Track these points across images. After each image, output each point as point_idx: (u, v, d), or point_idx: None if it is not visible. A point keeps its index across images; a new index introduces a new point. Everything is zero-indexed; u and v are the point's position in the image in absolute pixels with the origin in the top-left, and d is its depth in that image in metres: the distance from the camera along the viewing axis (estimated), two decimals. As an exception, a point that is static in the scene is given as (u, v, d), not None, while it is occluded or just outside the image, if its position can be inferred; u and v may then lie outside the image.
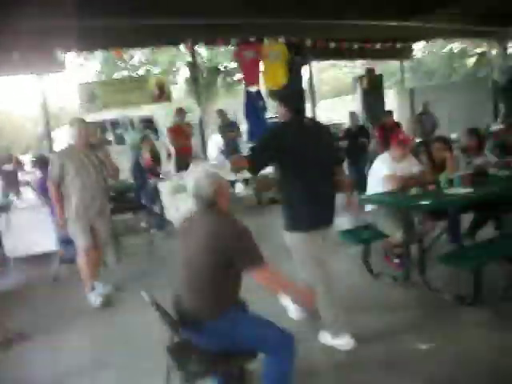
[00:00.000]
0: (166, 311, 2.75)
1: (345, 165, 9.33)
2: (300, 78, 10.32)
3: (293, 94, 4.05)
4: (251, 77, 9.79)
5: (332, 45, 9.75)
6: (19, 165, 11.62)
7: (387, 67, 21.46)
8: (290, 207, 3.74)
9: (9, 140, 17.52)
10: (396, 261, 5.27)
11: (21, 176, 11.63)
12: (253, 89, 10.02)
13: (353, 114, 9.62)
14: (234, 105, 15.63)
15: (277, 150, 3.60)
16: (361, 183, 8.77)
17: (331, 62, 27.78)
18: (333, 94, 34.76)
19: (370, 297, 4.70)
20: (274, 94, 8.38)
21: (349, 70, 47.62)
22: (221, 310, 2.77)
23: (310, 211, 3.65)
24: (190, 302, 2.79)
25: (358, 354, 3.62)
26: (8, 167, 10.84)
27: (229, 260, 2.71)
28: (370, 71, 11.74)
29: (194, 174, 3.06)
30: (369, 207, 5.27)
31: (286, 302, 4.31)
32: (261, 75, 9.94)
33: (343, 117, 20.70)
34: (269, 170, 8.93)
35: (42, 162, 7.12)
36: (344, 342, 3.71)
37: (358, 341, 3.73)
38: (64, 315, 5.06)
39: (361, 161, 9.19)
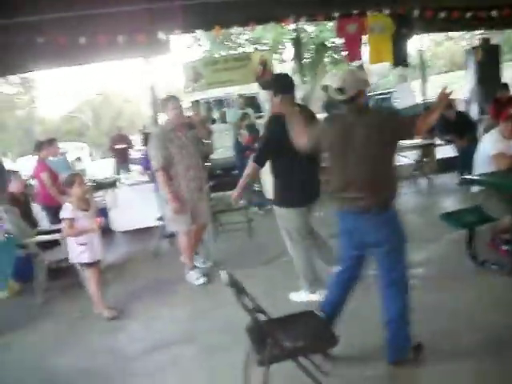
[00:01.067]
0: (245, 291, 2.70)
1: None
2: (405, 52, 9.74)
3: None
4: (354, 52, 9.43)
5: (442, 14, 9.04)
6: (130, 144, 12.19)
7: (508, 38, 19.83)
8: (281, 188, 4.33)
9: (127, 122, 18.45)
10: (504, 248, 4.86)
11: (131, 154, 12.27)
12: (356, 64, 9.68)
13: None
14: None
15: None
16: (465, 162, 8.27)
17: (446, 34, 26.27)
18: (448, 68, 33.01)
19: (472, 286, 4.33)
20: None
21: (466, 42, 44.95)
22: (391, 202, 3.07)
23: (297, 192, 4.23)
24: (363, 197, 3.00)
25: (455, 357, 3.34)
26: (120, 146, 11.43)
27: (397, 140, 3.07)
28: (485, 41, 10.83)
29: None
30: (476, 188, 4.89)
31: None
32: (364, 50, 9.56)
33: (455, 93, 19.69)
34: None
35: (147, 140, 7.36)
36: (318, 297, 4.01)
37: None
38: (162, 290, 5.24)
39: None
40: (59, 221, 6.31)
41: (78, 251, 4.55)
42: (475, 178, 4.79)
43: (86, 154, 20.87)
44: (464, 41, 43.58)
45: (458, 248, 5.10)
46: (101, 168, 15.10)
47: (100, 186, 7.81)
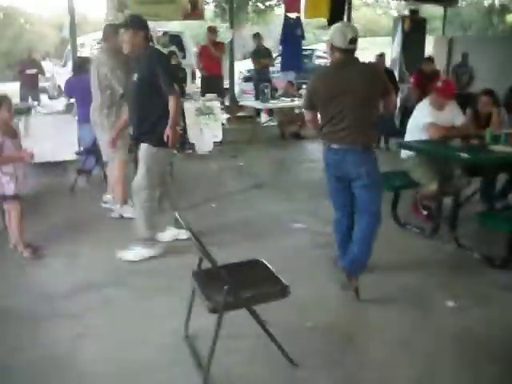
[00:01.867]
0: (196, 234, 2.60)
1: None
2: (342, 11, 9.76)
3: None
4: (292, 3, 9.30)
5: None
6: (41, 70, 11.31)
7: (428, 12, 20.51)
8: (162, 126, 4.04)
9: (29, 44, 17.06)
10: (425, 212, 5.11)
11: (41, 82, 11.43)
12: (292, 16, 9.56)
13: (379, 58, 9.09)
14: (263, 32, 15.12)
15: None
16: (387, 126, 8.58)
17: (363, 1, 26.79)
18: (363, 33, 33.76)
19: (394, 247, 4.51)
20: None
21: (382, 11, 46.12)
22: (372, 144, 3.58)
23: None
24: (352, 136, 3.40)
25: (382, 306, 3.50)
26: (31, 71, 10.58)
27: (381, 92, 3.48)
28: (414, 13, 11.11)
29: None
30: (404, 154, 5.05)
31: None
32: (302, 3, 9.45)
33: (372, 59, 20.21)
34: (293, 103, 8.76)
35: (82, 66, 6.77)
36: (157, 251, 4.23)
37: (379, 292, 3.67)
38: (83, 227, 4.99)
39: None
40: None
41: (2, 181, 4.14)
42: (409, 143, 4.92)
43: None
44: (380, 9, 44.73)
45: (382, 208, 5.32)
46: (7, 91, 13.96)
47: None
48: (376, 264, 3.85)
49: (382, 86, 3.50)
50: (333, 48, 3.42)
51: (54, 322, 3.29)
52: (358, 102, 3.37)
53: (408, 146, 4.93)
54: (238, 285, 2.55)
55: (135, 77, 4.06)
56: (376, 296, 3.61)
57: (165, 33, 10.92)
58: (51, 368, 2.82)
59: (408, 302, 3.56)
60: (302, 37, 9.78)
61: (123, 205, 5.23)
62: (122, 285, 3.79)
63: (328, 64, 3.89)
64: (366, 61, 4.48)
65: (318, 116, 3.65)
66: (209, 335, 2.66)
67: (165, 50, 9.10)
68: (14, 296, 3.66)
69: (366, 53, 23.48)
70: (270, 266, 2.88)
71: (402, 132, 5.37)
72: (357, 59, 3.49)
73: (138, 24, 4.08)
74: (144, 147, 4.15)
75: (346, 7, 10.45)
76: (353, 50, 3.43)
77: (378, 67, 3.88)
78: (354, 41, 3.38)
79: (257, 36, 10.46)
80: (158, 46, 9.66)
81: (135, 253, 4.19)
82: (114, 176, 5.31)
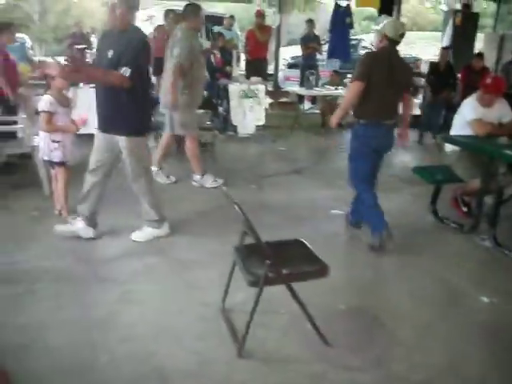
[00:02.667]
0: (243, 211, 2.66)
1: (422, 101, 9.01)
2: (392, 2, 9.63)
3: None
4: (343, -10, 9.25)
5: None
6: (90, 45, 11.50)
7: (479, 8, 20.04)
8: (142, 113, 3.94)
9: (76, 20, 17.34)
10: (464, 209, 5.07)
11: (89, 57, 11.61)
12: (343, 3, 9.49)
13: (444, 51, 8.95)
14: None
15: None
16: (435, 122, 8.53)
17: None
18: (410, 26, 33.17)
19: (431, 240, 4.54)
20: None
21: (431, 4, 45.13)
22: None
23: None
24: (392, 114, 4.18)
25: (415, 295, 3.51)
26: (81, 46, 10.74)
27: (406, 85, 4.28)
28: (466, 7, 10.88)
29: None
30: (449, 148, 5.01)
31: None
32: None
33: (420, 53, 19.85)
34: (337, 92, 8.70)
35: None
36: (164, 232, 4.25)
37: (411, 284, 3.67)
38: (127, 198, 5.12)
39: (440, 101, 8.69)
40: (11, 112, 6.01)
41: (51, 148, 4.31)
42: (456, 137, 4.88)
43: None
44: (429, 2, 43.75)
45: (420, 202, 5.33)
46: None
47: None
48: (411, 256, 3.87)
49: (410, 83, 4.36)
50: (384, 37, 4.04)
51: (95, 285, 3.42)
52: (396, 86, 4.08)
53: (453, 140, 4.89)
54: (279, 261, 2.61)
55: (110, 53, 3.72)
56: (410, 286, 3.62)
57: (231, 16, 10.95)
58: (92, 328, 2.93)
59: (441, 294, 3.56)
60: (351, 25, 9.72)
61: (203, 175, 5.61)
62: (163, 255, 3.91)
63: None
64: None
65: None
66: (245, 309, 2.74)
67: (228, 33, 9.15)
68: (57, 258, 3.80)
69: (413, 46, 23.20)
70: (310, 246, 2.93)
71: (447, 127, 5.34)
72: (398, 51, 4.19)
73: (134, 2, 3.82)
74: (121, 141, 3.87)
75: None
76: (399, 43, 4.10)
77: (410, 66, 4.86)
78: (402, 35, 4.06)
79: (310, 22, 10.43)
80: (220, 28, 9.68)
81: (146, 233, 4.22)
82: (188, 151, 5.63)
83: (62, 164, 4.40)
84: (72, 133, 4.41)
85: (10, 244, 3.96)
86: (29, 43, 15.09)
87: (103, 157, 3.96)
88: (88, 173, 4.03)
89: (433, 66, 9.09)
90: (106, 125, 3.89)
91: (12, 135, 5.40)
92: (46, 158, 4.44)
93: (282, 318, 3.07)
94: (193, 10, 5.35)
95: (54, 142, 4.29)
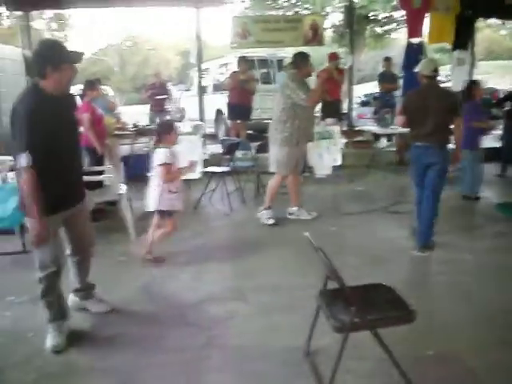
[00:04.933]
0: (326, 256, 2.67)
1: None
2: (468, 35, 9.52)
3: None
4: (416, 28, 9.20)
5: (508, 1, 8.75)
6: (169, 94, 12.04)
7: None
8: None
9: (154, 69, 18.29)
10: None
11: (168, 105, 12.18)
12: (415, 40, 9.45)
13: None
14: (380, 56, 15.03)
15: None
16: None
17: (486, 22, 25.70)
18: (484, 56, 32.40)
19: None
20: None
21: (507, 32, 43.95)
22: (445, 145, 4.83)
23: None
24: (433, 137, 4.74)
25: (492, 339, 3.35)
26: (161, 96, 11.27)
27: (451, 110, 4.74)
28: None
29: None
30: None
31: None
32: (426, 27, 9.35)
33: (498, 82, 19.29)
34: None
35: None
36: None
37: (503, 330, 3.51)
38: (207, 244, 5.27)
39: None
40: (98, 163, 6.37)
41: (169, 198, 4.52)
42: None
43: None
44: (504, 30, 42.59)
45: (505, 240, 5.16)
46: (132, 114, 15.07)
47: (143, 132, 7.77)
48: (504, 302, 3.74)
49: (453, 108, 4.74)
50: (421, 76, 4.83)
51: (181, 330, 3.51)
52: (435, 115, 4.68)
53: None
54: (364, 306, 2.59)
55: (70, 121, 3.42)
56: (502, 333, 3.43)
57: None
58: (179, 374, 3.00)
59: None
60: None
61: (263, 210, 5.97)
62: (244, 300, 3.95)
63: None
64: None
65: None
66: (329, 354, 2.74)
67: None
68: (144, 302, 3.96)
69: (489, 76, 22.63)
70: (395, 290, 2.89)
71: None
72: (437, 84, 4.95)
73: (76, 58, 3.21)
74: None
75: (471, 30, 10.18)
76: (435, 77, 4.84)
77: (451, 93, 5.42)
78: (435, 70, 4.81)
79: (387, 60, 10.45)
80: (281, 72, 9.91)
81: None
82: (270, 185, 6.03)
83: (173, 213, 4.62)
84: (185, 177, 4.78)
85: (97, 288, 4.14)
86: (111, 94, 16.02)
87: None
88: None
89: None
90: None
91: (99, 184, 5.71)
92: (160, 209, 4.59)
93: (368, 364, 3.02)
94: (302, 59, 5.78)
95: (171, 192, 4.51)
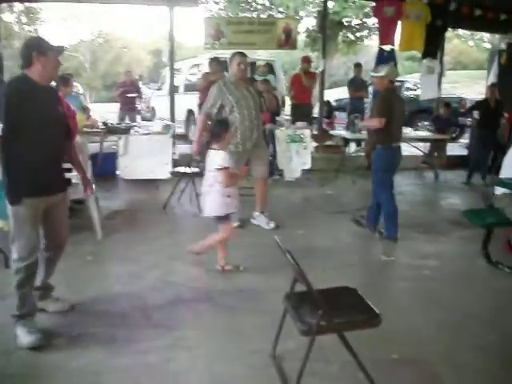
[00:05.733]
0: (294, 259, 2.68)
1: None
2: (438, 44, 9.71)
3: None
4: (387, 35, 9.35)
5: (477, 12, 8.97)
6: (140, 93, 11.95)
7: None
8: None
9: (126, 68, 18.14)
10: (519, 252, 4.97)
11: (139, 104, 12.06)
12: (386, 47, 9.60)
13: (494, 87, 8.79)
14: (351, 62, 15.19)
15: None
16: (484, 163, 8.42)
17: (455, 32, 26.22)
18: (453, 65, 33.07)
19: (483, 285, 4.43)
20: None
21: (474, 43, 44.87)
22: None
23: None
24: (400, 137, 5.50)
25: (477, 350, 3.37)
26: (132, 94, 11.18)
27: None
28: (511, 46, 10.81)
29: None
30: (499, 191, 4.93)
31: None
32: (397, 35, 9.49)
33: (465, 92, 19.68)
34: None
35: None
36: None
37: (469, 336, 3.56)
38: (177, 243, 5.24)
39: (490, 141, 8.56)
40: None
41: (226, 203, 4.32)
42: (504, 180, 4.81)
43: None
44: (472, 41, 43.47)
45: (470, 246, 5.23)
46: (101, 112, 14.89)
47: (112, 130, 7.66)
48: (466, 304, 3.79)
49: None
50: (388, 80, 5.27)
51: (147, 331, 3.46)
52: (401, 116, 5.35)
53: (503, 183, 4.82)
54: (331, 310, 2.60)
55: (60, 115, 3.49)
56: (469, 338, 3.48)
57: (267, 63, 11.23)
58: (144, 375, 2.96)
59: (507, 346, 3.44)
60: (396, 69, 9.82)
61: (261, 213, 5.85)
62: (211, 302, 3.93)
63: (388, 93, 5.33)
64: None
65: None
66: (296, 357, 2.75)
67: (260, 79, 9.40)
68: (111, 302, 3.89)
69: (456, 86, 23.02)
70: (361, 294, 2.91)
71: (494, 168, 5.30)
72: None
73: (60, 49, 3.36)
74: None
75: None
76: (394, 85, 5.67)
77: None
78: (397, 77, 5.45)
79: (358, 66, 10.60)
80: (256, 75, 9.98)
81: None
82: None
83: (229, 217, 4.44)
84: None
85: (63, 287, 4.06)
86: (81, 91, 15.80)
87: None
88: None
89: (481, 103, 8.94)
90: None
91: (68, 182, 5.59)
92: (218, 215, 4.39)
93: (334, 367, 3.03)
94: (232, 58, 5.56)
95: (227, 196, 4.32)
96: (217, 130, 4.40)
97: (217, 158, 4.26)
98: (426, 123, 12.58)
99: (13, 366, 3.02)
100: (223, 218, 4.39)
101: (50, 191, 3.36)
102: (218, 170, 4.21)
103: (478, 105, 9.01)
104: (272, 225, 5.71)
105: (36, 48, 3.16)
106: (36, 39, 3.46)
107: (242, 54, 5.51)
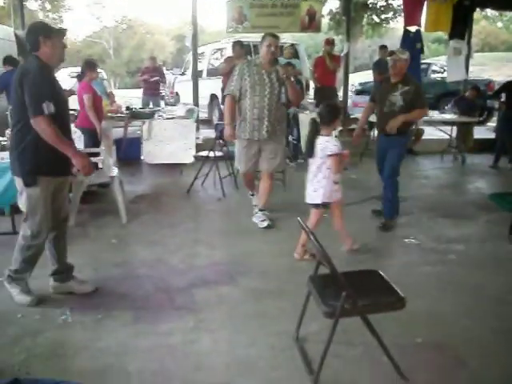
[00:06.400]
0: (318, 241, 2.66)
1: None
2: (465, 25, 9.48)
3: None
4: (413, 16, 9.16)
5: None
6: (163, 77, 11.96)
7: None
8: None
9: (149, 54, 18.18)
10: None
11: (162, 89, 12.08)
12: (412, 29, 9.40)
13: None
14: (376, 45, 14.95)
15: None
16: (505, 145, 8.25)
17: (483, 13, 25.61)
18: (480, 47, 32.42)
19: (510, 269, 4.35)
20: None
21: (502, 24, 43.86)
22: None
23: None
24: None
25: (502, 336, 3.33)
26: (155, 78, 11.19)
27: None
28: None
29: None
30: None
31: None
32: (423, 16, 9.29)
33: (493, 74, 19.29)
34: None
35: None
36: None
37: (495, 320, 3.50)
38: (202, 227, 5.26)
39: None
40: (94, 144, 6.33)
41: (334, 190, 4.30)
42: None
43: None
44: (501, 22, 42.48)
45: (497, 230, 5.16)
46: (126, 98, 14.99)
47: (136, 115, 7.70)
48: (494, 289, 3.75)
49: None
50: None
51: (170, 313, 3.49)
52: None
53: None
54: (355, 292, 2.58)
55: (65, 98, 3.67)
56: (495, 323, 3.42)
57: (292, 45, 11.08)
58: (167, 357, 2.98)
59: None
60: (422, 51, 9.59)
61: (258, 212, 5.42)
62: (234, 285, 3.94)
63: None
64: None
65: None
66: (319, 339, 2.74)
67: (284, 62, 9.29)
68: (135, 285, 3.91)
69: (484, 68, 22.57)
70: (386, 276, 2.88)
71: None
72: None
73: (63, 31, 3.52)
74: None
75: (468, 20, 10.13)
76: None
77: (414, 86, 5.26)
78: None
79: (383, 48, 10.38)
80: (281, 58, 9.88)
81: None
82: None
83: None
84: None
85: (88, 270, 4.12)
86: (105, 77, 15.90)
87: None
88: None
89: (509, 84, 8.67)
90: None
91: (95, 166, 5.66)
92: (326, 201, 4.33)
93: (357, 350, 3.01)
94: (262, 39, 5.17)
95: (335, 183, 4.29)
96: (329, 114, 4.28)
97: (330, 144, 4.16)
98: (452, 106, 12.36)
99: (39, 346, 3.07)
100: (323, 205, 4.35)
101: (66, 172, 3.56)
102: (329, 155, 4.14)
103: (506, 86, 8.78)
104: (265, 224, 5.27)
105: (42, 32, 3.31)
106: (40, 24, 3.61)
107: (274, 36, 5.09)
